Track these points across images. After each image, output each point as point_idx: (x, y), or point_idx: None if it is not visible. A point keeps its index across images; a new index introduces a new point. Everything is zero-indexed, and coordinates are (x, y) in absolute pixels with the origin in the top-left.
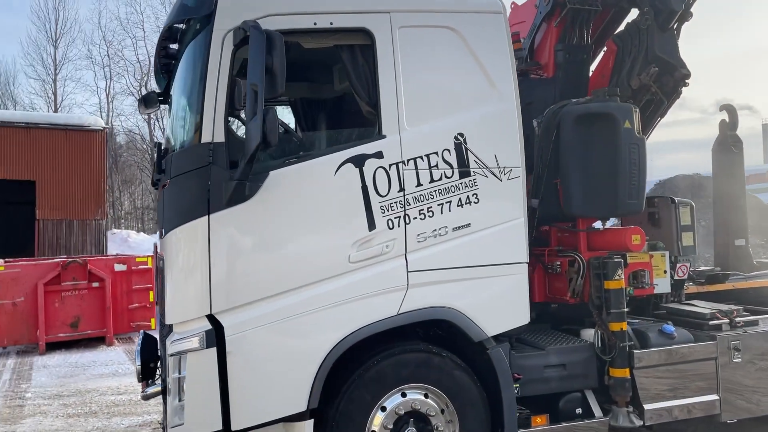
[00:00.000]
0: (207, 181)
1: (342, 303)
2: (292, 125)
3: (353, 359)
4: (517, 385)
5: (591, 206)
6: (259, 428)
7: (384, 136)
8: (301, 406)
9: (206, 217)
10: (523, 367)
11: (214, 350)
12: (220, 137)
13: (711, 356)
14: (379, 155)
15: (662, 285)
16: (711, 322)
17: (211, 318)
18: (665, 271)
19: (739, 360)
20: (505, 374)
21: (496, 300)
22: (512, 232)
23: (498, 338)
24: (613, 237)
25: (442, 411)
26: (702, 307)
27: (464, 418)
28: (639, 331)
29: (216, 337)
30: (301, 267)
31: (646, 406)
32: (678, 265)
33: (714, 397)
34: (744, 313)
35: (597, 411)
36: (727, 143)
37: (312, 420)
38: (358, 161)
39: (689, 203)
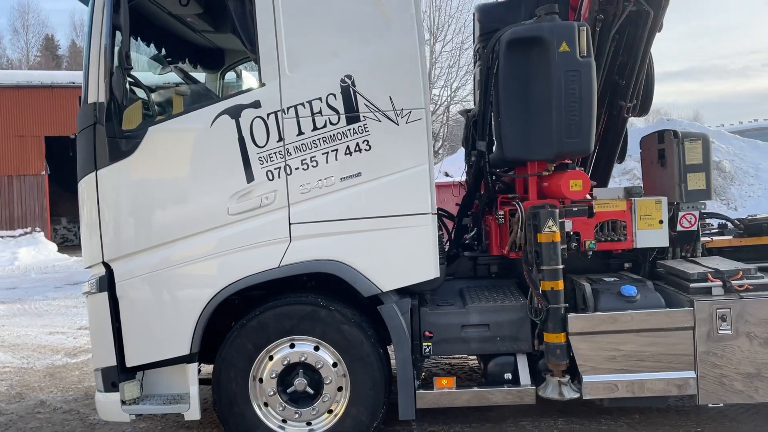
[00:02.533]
0: (93, 139)
1: (222, 254)
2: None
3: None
4: (429, 344)
5: (526, 148)
6: (158, 367)
7: (263, 85)
8: (185, 350)
9: (94, 172)
10: (436, 326)
11: (106, 294)
12: (102, 97)
13: (684, 326)
14: (256, 105)
15: (653, 238)
16: (694, 285)
17: (106, 265)
18: (661, 222)
19: (729, 331)
20: (398, 331)
21: (392, 254)
22: (412, 180)
23: (414, 293)
24: (554, 183)
25: (335, 365)
26: (701, 265)
27: (354, 373)
28: (596, 291)
29: (109, 282)
30: (181, 219)
31: (586, 378)
32: (681, 214)
33: (688, 374)
34: (757, 275)
35: (525, 378)
36: None
37: (196, 363)
38: (234, 112)
39: (701, 136)
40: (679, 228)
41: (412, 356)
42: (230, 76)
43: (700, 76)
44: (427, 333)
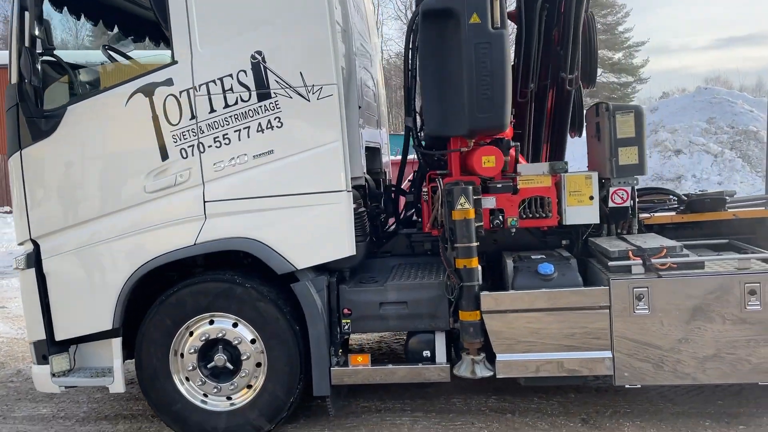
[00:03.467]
0: (17, 118)
1: (140, 232)
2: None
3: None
4: (347, 321)
5: (444, 124)
6: (89, 341)
7: (176, 62)
8: (107, 325)
9: (19, 151)
10: (354, 303)
11: (33, 270)
12: (15, 78)
13: (599, 304)
14: (168, 82)
15: (584, 214)
16: (613, 263)
17: (34, 242)
18: (591, 198)
19: (646, 311)
20: (311, 309)
21: (306, 231)
22: (325, 158)
23: (333, 271)
24: (469, 159)
25: (253, 341)
26: (627, 242)
27: (271, 350)
28: (516, 269)
29: (36, 259)
30: (101, 197)
31: (499, 357)
32: (612, 190)
33: (604, 354)
34: (683, 252)
35: (441, 356)
36: None
37: (120, 338)
38: (148, 90)
39: (633, 108)
40: (611, 204)
41: (329, 333)
42: (153, 54)
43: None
44: (345, 310)
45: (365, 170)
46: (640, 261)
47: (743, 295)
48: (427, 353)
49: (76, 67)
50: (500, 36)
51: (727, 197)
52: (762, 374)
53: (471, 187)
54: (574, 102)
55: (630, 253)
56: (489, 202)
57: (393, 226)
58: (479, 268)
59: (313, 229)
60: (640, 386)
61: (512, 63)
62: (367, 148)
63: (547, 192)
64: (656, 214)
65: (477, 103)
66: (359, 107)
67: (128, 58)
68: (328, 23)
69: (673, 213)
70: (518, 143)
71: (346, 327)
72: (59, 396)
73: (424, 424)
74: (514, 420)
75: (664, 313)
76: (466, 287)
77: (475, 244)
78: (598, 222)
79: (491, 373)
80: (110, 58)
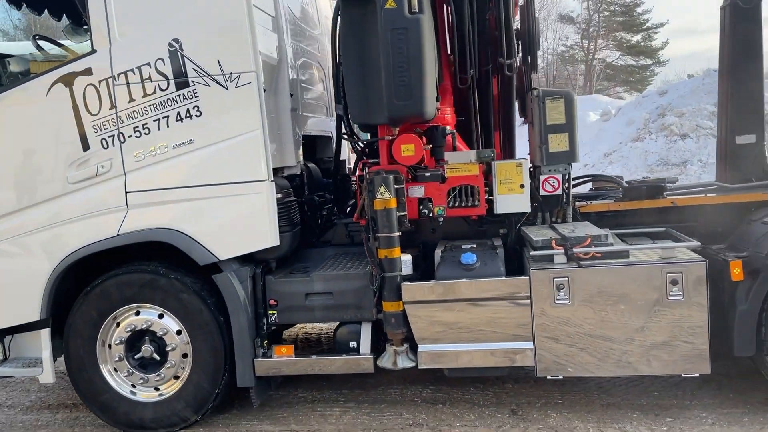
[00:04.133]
0: None
1: (64, 223)
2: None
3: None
4: (274, 312)
5: (367, 111)
6: (23, 332)
7: (95, 51)
8: (36, 316)
9: None
10: (280, 294)
11: None
12: None
13: (520, 295)
14: (88, 72)
15: (514, 203)
16: (535, 252)
17: None
18: (522, 186)
19: (566, 302)
20: (233, 300)
21: (228, 222)
22: (245, 147)
23: (259, 261)
24: (392, 148)
25: (179, 332)
26: (555, 231)
27: (195, 341)
28: (443, 259)
29: None
30: (27, 188)
31: (421, 348)
32: (543, 178)
33: (526, 345)
34: (608, 242)
35: (365, 347)
36: None
37: (48, 329)
38: (67, 80)
39: (564, 94)
40: (542, 192)
41: (255, 324)
42: (78, 43)
43: None
44: (271, 301)
45: (301, 159)
46: (563, 250)
47: (665, 285)
48: (353, 344)
49: (5, 57)
50: (417, 21)
51: (669, 184)
52: (684, 366)
53: (392, 177)
54: (524, 87)
55: (553, 242)
56: (417, 191)
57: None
58: (401, 258)
59: (234, 220)
60: (562, 377)
61: (448, 49)
62: (318, 137)
63: (474, 180)
64: (593, 202)
65: (395, 90)
66: (291, 95)
67: (60, 46)
68: (245, 10)
69: (612, 201)
70: (454, 131)
71: (273, 318)
72: (12, 385)
73: (353, 414)
74: (443, 410)
75: (585, 304)
76: (387, 278)
77: (396, 234)
78: (529, 210)
79: (413, 364)
80: (38, 47)
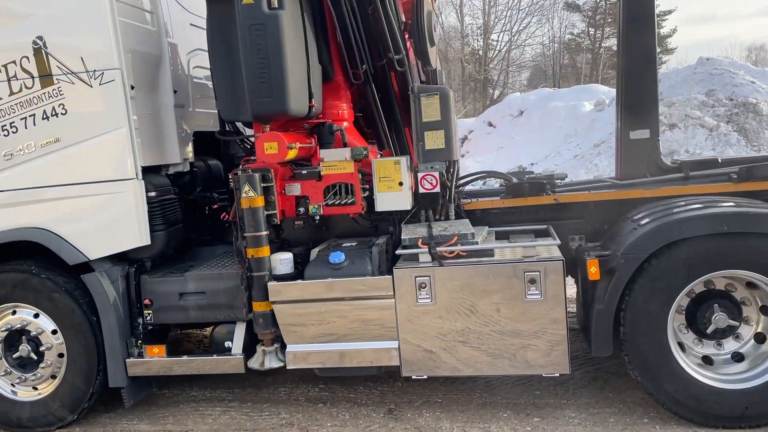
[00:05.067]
0: None
1: None
2: None
3: None
4: (149, 312)
5: (233, 108)
6: None
7: None
8: None
9: None
10: (155, 293)
11: None
12: None
13: (384, 294)
14: None
15: (394, 200)
16: (400, 251)
17: None
18: (401, 183)
19: (429, 301)
20: (102, 300)
21: (97, 221)
22: (111, 145)
23: (134, 260)
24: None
25: (55, 332)
26: (428, 229)
27: (69, 340)
28: (315, 258)
29: None
30: None
31: (290, 348)
32: (421, 175)
33: (391, 344)
34: (473, 240)
35: (237, 347)
36: None
37: None
38: None
39: (439, 90)
40: (421, 190)
41: (130, 324)
42: None
43: None
44: (146, 301)
45: (189, 156)
46: (427, 249)
47: (524, 284)
48: (228, 344)
49: None
50: (275, 17)
51: (557, 180)
52: (544, 366)
53: (258, 175)
54: (426, 81)
55: (419, 240)
56: (294, 189)
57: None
58: (280, 257)
59: (102, 219)
60: (426, 377)
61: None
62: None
63: (350, 178)
64: (482, 200)
65: (256, 87)
66: (175, 91)
67: None
68: (107, 7)
69: (497, 198)
70: (342, 127)
71: (149, 317)
72: None
73: (233, 414)
74: (321, 409)
75: (447, 303)
76: (255, 277)
77: (264, 233)
78: (408, 208)
79: (282, 365)
80: None
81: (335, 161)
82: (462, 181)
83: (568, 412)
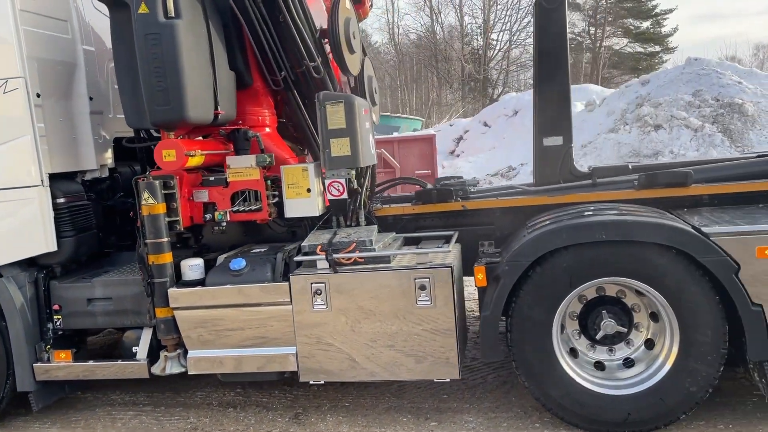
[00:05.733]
0: None
1: None
2: None
3: None
4: (59, 317)
5: (134, 115)
6: None
7: None
8: None
9: None
10: (64, 299)
11: None
12: None
13: (281, 300)
14: None
15: (303, 207)
16: (298, 258)
17: None
18: (309, 190)
19: (324, 307)
20: (7, 306)
21: (3, 228)
22: (15, 152)
23: (44, 266)
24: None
25: None
26: (334, 236)
27: None
28: (218, 264)
29: None
30: None
31: (191, 354)
32: (328, 182)
33: (289, 350)
34: (371, 247)
35: (142, 352)
36: None
37: None
38: None
39: (344, 98)
40: (329, 197)
41: (39, 329)
42: None
43: None
44: (56, 306)
45: (108, 162)
46: (324, 256)
47: (414, 291)
48: (135, 349)
49: None
50: (170, 26)
51: (470, 187)
52: (435, 371)
53: (158, 182)
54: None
55: (319, 247)
56: (202, 195)
57: None
58: (189, 263)
59: (8, 226)
60: (323, 382)
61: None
62: None
63: (256, 185)
64: (391, 206)
65: (153, 95)
66: (91, 98)
67: None
68: (10, 18)
69: (408, 205)
70: (258, 134)
71: (58, 323)
72: None
73: (143, 418)
74: (230, 414)
75: (342, 309)
76: (157, 284)
77: (165, 239)
78: (317, 214)
79: (183, 370)
80: None
81: (241, 168)
82: (378, 188)
83: (467, 416)
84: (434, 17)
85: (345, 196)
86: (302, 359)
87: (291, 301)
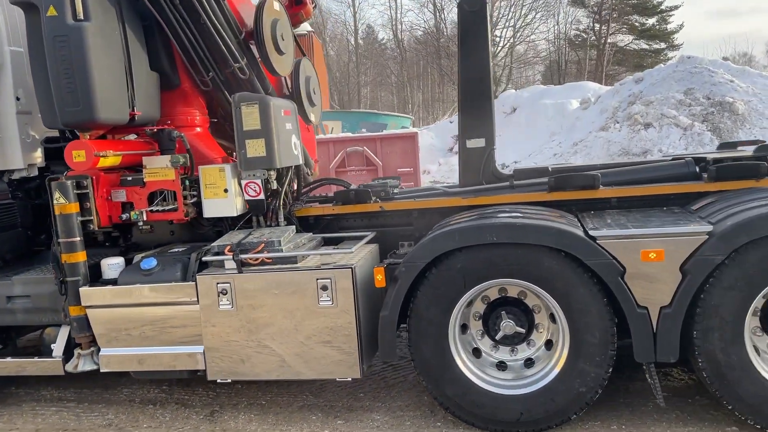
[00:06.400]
0: None
1: None
2: None
3: None
4: None
5: (48, 115)
6: None
7: None
8: None
9: None
10: None
11: None
12: None
13: (189, 300)
14: None
15: (220, 207)
16: (206, 258)
17: None
18: (226, 190)
19: (229, 307)
20: None
21: None
22: None
23: None
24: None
25: None
26: (247, 236)
27: None
28: (132, 263)
29: None
30: None
31: (103, 351)
32: (244, 183)
33: (197, 349)
34: (279, 247)
35: (58, 350)
36: None
37: None
38: None
39: (258, 100)
40: (246, 197)
41: None
42: None
43: None
44: None
45: (38, 162)
46: (231, 256)
47: (317, 291)
48: (53, 346)
49: None
50: (79, 29)
51: (392, 189)
52: (338, 371)
53: (70, 182)
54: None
55: (227, 247)
56: (120, 195)
57: None
58: (109, 262)
59: None
60: (230, 381)
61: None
62: None
63: (171, 185)
64: (312, 206)
65: (63, 97)
66: (18, 98)
67: None
68: None
69: (329, 205)
70: (183, 134)
71: None
72: None
73: (64, 414)
74: (148, 411)
75: (246, 309)
76: (69, 282)
77: (77, 239)
78: (234, 214)
79: (95, 368)
80: None
81: (157, 168)
82: (305, 189)
83: (375, 415)
84: (437, 14)
85: (262, 196)
86: (209, 358)
87: (198, 300)
